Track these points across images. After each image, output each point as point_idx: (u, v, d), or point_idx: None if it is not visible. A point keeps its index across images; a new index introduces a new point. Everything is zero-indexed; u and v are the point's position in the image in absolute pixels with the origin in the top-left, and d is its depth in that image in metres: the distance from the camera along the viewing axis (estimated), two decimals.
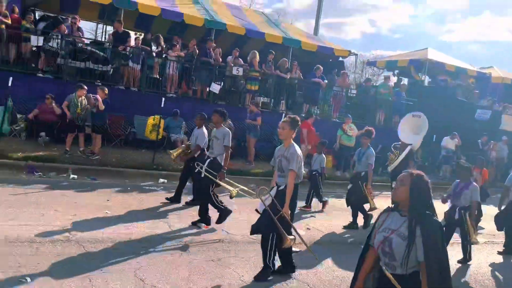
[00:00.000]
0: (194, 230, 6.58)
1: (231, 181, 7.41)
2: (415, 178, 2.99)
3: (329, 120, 14.12)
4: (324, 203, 9.15)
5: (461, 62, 21.36)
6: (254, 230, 5.19)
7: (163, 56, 12.41)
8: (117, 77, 11.99)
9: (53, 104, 10.52)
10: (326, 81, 13.96)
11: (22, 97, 10.34)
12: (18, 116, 10.36)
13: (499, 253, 7.68)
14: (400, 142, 9.24)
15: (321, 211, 9.04)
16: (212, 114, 7.00)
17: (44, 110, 10.52)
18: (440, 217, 6.16)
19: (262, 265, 5.12)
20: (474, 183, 6.74)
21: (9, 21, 10.54)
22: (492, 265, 7.10)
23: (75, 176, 8.84)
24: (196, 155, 7.70)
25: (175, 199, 7.94)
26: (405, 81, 21.03)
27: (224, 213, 6.74)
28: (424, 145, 15.19)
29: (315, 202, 9.24)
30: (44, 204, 6.73)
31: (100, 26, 20.30)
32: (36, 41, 10.76)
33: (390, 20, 68.82)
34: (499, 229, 7.81)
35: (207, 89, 12.87)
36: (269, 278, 5.06)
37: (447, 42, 66.60)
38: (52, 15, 14.95)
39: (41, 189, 7.63)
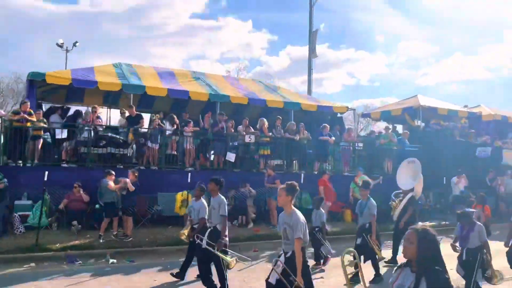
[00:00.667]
0: None
1: (229, 250, 7.13)
2: (421, 233, 2.99)
3: (340, 175, 14.56)
4: (326, 260, 8.98)
5: (451, 104, 22.35)
6: None
7: (178, 133, 13.00)
8: (137, 158, 12.48)
9: (81, 192, 10.87)
10: (333, 137, 14.58)
11: (50, 188, 10.69)
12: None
13: None
14: (401, 190, 9.44)
15: (321, 269, 8.79)
16: (208, 183, 7.02)
17: (72, 199, 10.82)
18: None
19: None
20: (479, 223, 6.69)
21: (35, 119, 11.11)
22: None
23: (114, 260, 9.00)
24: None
25: (181, 274, 7.74)
26: (399, 128, 21.89)
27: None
28: (434, 187, 15.70)
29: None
30: None
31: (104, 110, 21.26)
32: (61, 133, 11.31)
33: (368, 71, 71.85)
34: None
35: (223, 159, 13.38)
36: None
37: (424, 85, 69.26)
38: (58, 105, 15.67)
39: (88, 277, 7.81)
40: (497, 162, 16.88)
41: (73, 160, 11.71)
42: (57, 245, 9.26)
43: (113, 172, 10.24)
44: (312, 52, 24.12)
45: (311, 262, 8.35)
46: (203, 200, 7.78)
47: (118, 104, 16.95)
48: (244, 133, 13.44)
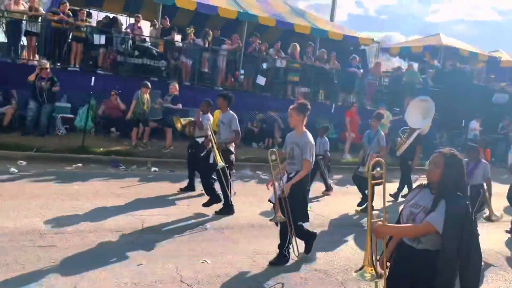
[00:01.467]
0: None
1: None
2: (449, 158, 2.94)
3: (363, 108, 14.78)
4: (330, 188, 9.11)
5: (472, 47, 22.14)
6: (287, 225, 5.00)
7: (212, 50, 12.91)
8: (167, 72, 12.50)
9: (118, 100, 11.02)
10: (362, 70, 14.60)
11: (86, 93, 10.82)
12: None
13: (507, 232, 7.58)
14: (408, 127, 9.25)
15: (328, 194, 8.95)
16: (217, 98, 6.88)
17: (109, 106, 10.99)
18: None
19: (278, 252, 5.05)
20: (484, 161, 6.81)
21: (73, 21, 10.94)
22: (498, 242, 7.05)
23: (156, 169, 9.44)
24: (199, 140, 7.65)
25: (190, 188, 7.90)
26: (415, 66, 21.81)
27: (215, 199, 6.74)
28: (452, 128, 16.09)
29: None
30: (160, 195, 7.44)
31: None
32: (99, 39, 11.18)
33: (377, 1, 69.20)
34: None
35: (252, 81, 13.45)
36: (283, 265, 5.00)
37: (433, 22, 67.47)
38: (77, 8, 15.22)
39: (137, 182, 8.27)
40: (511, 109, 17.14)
41: (111, 68, 11.71)
42: (101, 149, 9.63)
43: (149, 84, 10.32)
44: None
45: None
46: (210, 115, 7.80)
47: (139, 13, 16.53)
48: (276, 57, 13.38)
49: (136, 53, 11.81)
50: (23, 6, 10.72)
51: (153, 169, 9.37)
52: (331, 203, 8.36)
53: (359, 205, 7.82)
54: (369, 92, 14.89)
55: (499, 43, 64.92)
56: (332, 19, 23.24)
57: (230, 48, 12.94)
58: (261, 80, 13.13)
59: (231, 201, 6.77)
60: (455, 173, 2.92)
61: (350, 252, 5.82)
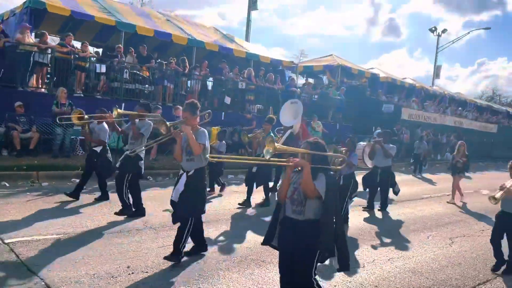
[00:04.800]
0: None
1: None
2: (313, 144, 3.70)
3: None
4: (223, 187, 9.93)
5: (358, 66, 27.04)
6: (176, 219, 5.09)
7: (188, 75, 14.63)
8: (155, 95, 13.86)
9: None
10: (299, 89, 17.65)
11: None
12: None
13: (364, 209, 9.07)
14: (282, 127, 9.65)
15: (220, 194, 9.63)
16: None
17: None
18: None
19: (173, 248, 5.00)
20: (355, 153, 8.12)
21: (79, 52, 11.78)
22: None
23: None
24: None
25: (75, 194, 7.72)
26: (310, 81, 25.72)
27: (127, 211, 6.90)
28: (361, 133, 20.09)
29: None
30: None
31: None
32: (100, 68, 12.18)
33: (239, 14, 74.39)
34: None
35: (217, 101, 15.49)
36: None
37: (291, 35, 75.40)
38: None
39: None
40: (397, 117, 21.99)
41: (107, 92, 12.69)
42: None
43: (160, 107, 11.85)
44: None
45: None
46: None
47: (109, 41, 17.11)
48: (238, 80, 15.68)
49: (128, 79, 13.02)
50: (31, 39, 11.25)
51: None
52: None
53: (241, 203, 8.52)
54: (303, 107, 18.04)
55: (346, 55, 75.82)
56: (247, 39, 26.10)
57: (204, 73, 14.85)
58: (227, 100, 15.29)
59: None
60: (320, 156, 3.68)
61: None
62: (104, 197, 7.88)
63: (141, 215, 6.91)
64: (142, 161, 6.95)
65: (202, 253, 5.37)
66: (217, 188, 9.94)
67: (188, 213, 5.01)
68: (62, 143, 10.68)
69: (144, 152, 7.06)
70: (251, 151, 9.10)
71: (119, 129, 7.32)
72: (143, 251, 5.34)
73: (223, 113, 14.94)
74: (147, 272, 4.73)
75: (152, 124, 6.98)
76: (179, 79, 14.33)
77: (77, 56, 11.80)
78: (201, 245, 5.38)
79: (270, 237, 3.80)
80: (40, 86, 11.66)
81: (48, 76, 11.93)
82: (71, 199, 7.61)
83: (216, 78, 15.25)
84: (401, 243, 6.83)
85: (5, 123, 10.38)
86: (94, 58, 12.55)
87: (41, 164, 9.74)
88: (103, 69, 12.28)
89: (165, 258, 4.97)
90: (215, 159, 6.63)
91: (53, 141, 10.62)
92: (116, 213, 6.90)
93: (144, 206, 7.07)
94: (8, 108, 10.54)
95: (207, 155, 5.10)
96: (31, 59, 11.16)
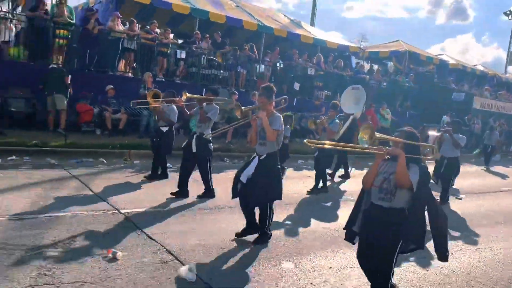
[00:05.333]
0: None
1: None
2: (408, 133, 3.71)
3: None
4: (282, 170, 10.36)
5: (427, 52, 26.12)
6: (253, 203, 5.16)
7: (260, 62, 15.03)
8: (228, 80, 14.39)
9: None
10: (368, 76, 17.50)
11: None
12: None
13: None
14: (343, 114, 9.67)
15: None
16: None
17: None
18: None
19: (260, 232, 5.23)
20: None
21: (163, 38, 12.51)
22: None
23: None
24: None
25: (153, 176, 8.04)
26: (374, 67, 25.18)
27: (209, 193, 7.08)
28: (428, 121, 19.59)
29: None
30: None
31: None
32: (180, 54, 12.84)
33: None
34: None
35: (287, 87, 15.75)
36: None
37: (348, 18, 73.01)
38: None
39: None
40: (469, 106, 21.16)
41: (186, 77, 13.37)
42: None
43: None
44: None
45: None
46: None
47: (179, 28, 17.81)
48: (308, 66, 15.85)
49: (205, 64, 13.61)
50: (121, 27, 12.08)
51: None
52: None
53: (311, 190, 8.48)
54: (371, 93, 17.87)
55: (408, 39, 72.54)
56: (312, 23, 25.99)
57: (272, 59, 15.18)
58: (296, 86, 15.53)
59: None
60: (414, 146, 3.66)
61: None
62: (163, 176, 8.13)
63: (211, 196, 7.07)
64: (211, 144, 7.08)
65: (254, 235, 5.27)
66: None
67: (264, 199, 5.07)
68: (147, 124, 11.42)
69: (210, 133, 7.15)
70: (319, 137, 9.13)
71: (187, 112, 7.50)
72: (240, 227, 5.69)
73: (295, 99, 15.17)
74: (251, 246, 5.15)
75: (218, 108, 7.14)
76: (251, 65, 14.70)
77: (159, 42, 12.42)
78: (252, 228, 5.28)
79: (352, 222, 3.82)
80: (127, 70, 12.48)
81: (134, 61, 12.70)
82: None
83: (285, 64, 15.44)
84: (485, 235, 6.81)
85: (98, 104, 11.28)
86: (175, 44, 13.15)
87: (131, 143, 10.53)
88: (183, 55, 12.90)
89: (253, 242, 5.14)
90: (315, 145, 6.41)
91: (139, 122, 11.40)
92: (199, 196, 7.07)
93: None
94: (101, 91, 11.43)
95: (281, 140, 5.20)
96: (120, 45, 11.95)
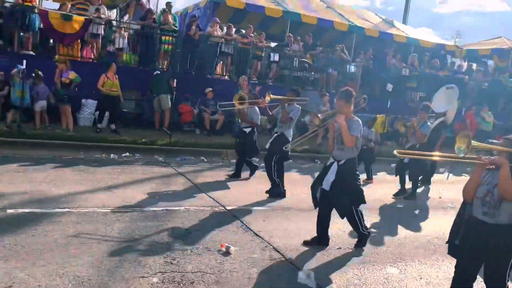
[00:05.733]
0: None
1: None
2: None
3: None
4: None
5: None
6: (341, 214, 5.17)
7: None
8: (318, 82, 14.47)
9: None
10: (467, 76, 16.49)
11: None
12: None
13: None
14: (434, 114, 9.25)
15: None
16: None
17: None
18: None
19: (358, 236, 5.26)
20: None
21: (257, 42, 12.98)
22: None
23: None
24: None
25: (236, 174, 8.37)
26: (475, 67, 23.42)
27: (276, 189, 7.23)
28: None
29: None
30: None
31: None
32: (273, 57, 13.23)
33: None
34: None
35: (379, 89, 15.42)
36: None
37: (441, 13, 67.84)
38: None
39: None
40: None
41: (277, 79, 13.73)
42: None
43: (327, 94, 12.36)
44: None
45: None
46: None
47: (269, 30, 18.21)
48: (402, 66, 15.35)
49: (296, 66, 13.82)
50: (219, 32, 12.76)
51: None
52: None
53: (395, 194, 8.28)
54: (471, 95, 16.79)
55: (508, 34, 65.74)
56: (405, 22, 25.01)
57: (365, 59, 14.94)
58: (389, 87, 15.12)
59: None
60: None
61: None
62: (252, 171, 8.43)
63: (282, 196, 7.19)
64: (289, 145, 6.99)
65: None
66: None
67: (348, 205, 5.05)
68: None
69: (291, 135, 7.26)
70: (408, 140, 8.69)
71: (270, 113, 7.63)
72: (342, 229, 5.78)
73: (388, 101, 14.80)
74: (350, 248, 5.23)
75: (300, 108, 7.18)
76: (342, 66, 14.61)
77: (254, 46, 12.88)
78: (323, 238, 5.22)
79: (454, 236, 3.62)
80: (224, 74, 13.11)
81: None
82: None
83: (378, 65, 15.10)
84: None
85: (198, 106, 12.01)
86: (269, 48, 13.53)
87: (227, 143, 11.07)
88: (276, 58, 13.22)
89: (356, 246, 5.18)
90: (404, 155, 6.22)
91: (234, 124, 11.91)
92: (266, 192, 7.27)
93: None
94: (200, 93, 12.14)
95: (360, 145, 5.07)
96: (218, 49, 12.59)
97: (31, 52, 10.86)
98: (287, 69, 13.64)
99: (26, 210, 5.26)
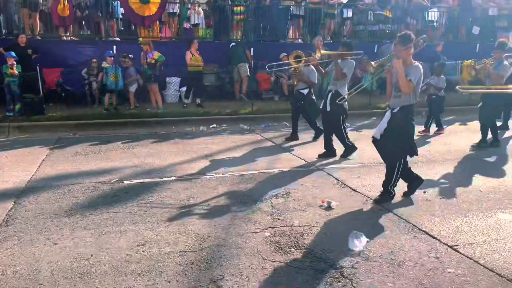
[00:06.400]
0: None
1: None
2: None
3: None
4: (440, 130, 9.00)
5: None
6: (385, 159, 5.04)
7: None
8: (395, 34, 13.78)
9: None
10: None
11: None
12: None
13: None
14: None
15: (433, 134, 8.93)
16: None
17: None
18: None
19: (383, 188, 5.00)
20: None
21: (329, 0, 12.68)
22: None
23: None
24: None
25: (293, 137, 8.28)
26: None
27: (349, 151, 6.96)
28: None
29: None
30: None
31: None
32: (346, 13, 12.84)
33: None
34: None
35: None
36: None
37: None
38: None
39: None
40: None
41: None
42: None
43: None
44: None
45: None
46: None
47: None
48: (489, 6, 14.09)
49: (372, 20, 13.29)
50: None
51: None
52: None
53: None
54: None
55: None
56: None
57: (450, 5, 13.90)
58: (476, 30, 13.99)
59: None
60: None
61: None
62: (317, 134, 8.23)
63: (352, 151, 6.97)
64: (346, 102, 6.79)
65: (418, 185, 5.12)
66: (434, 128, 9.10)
67: (395, 155, 4.84)
68: (319, 89, 11.80)
69: (347, 92, 6.78)
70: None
71: (322, 70, 7.31)
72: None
73: (477, 45, 13.74)
74: (453, 197, 5.10)
75: (354, 63, 6.79)
76: (422, 13, 13.76)
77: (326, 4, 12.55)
78: (415, 180, 5.10)
79: None
80: (296, 37, 12.99)
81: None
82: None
83: (462, 7, 13.99)
84: None
85: (274, 73, 12.08)
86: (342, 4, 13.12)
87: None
88: (349, 14, 12.79)
89: (375, 200, 4.92)
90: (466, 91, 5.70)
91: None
92: (342, 155, 6.98)
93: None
94: (275, 60, 12.14)
95: (418, 93, 4.78)
96: (289, 13, 12.46)
97: (117, 38, 11.56)
98: (361, 24, 13.13)
99: (139, 181, 5.78)
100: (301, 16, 12.67)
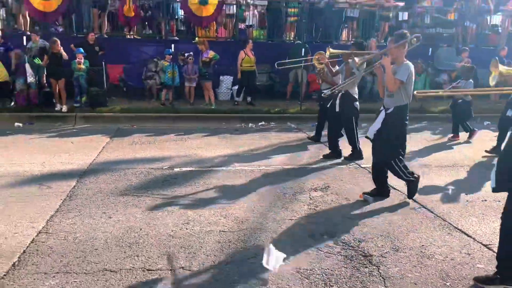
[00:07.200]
0: None
1: None
2: None
3: None
4: (472, 133, 8.54)
5: None
6: (376, 163, 4.95)
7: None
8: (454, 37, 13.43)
9: None
10: None
11: None
12: None
13: None
14: None
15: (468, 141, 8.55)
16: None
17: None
18: None
19: (406, 183, 4.96)
20: None
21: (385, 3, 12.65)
22: None
23: None
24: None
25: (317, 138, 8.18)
26: None
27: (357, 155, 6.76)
28: None
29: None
30: None
31: None
32: (402, 16, 12.71)
33: None
34: None
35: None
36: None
37: None
38: None
39: None
40: None
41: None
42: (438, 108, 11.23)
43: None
44: None
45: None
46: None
47: None
48: None
49: (429, 23, 13.03)
50: None
51: None
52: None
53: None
54: None
55: None
56: None
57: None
58: None
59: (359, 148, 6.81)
60: None
61: None
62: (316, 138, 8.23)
63: (357, 159, 6.77)
64: (357, 102, 6.71)
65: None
66: (465, 134, 8.71)
67: (386, 157, 4.79)
68: (371, 90, 11.76)
69: (357, 92, 6.77)
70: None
71: (332, 69, 7.10)
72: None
73: None
74: (496, 200, 5.02)
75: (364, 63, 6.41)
76: (482, 17, 13.27)
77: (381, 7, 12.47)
78: (381, 192, 5.03)
79: None
80: (349, 39, 13.00)
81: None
82: None
83: None
84: None
85: None
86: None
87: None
88: (405, 17, 12.61)
89: (408, 196, 4.92)
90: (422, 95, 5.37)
91: (363, 87, 11.82)
92: (345, 158, 6.89)
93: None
94: None
95: (411, 93, 4.66)
96: (343, 15, 12.50)
97: (176, 38, 12.19)
98: (418, 27, 12.89)
99: (189, 169, 6.18)
100: (354, 18, 12.67)
